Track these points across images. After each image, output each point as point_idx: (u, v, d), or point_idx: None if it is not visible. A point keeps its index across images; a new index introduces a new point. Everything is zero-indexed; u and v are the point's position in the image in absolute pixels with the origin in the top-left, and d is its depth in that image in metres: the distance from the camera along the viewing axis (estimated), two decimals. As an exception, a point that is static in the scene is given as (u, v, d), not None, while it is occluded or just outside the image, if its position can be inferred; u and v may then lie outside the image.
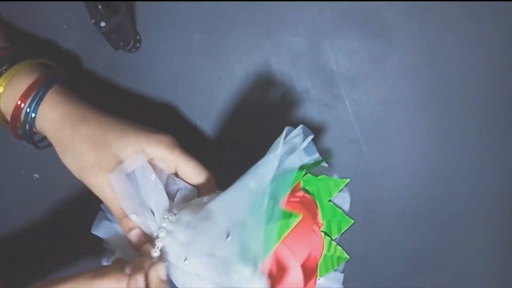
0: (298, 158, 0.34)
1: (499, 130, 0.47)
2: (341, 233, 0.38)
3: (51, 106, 0.37)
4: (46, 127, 0.37)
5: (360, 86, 0.46)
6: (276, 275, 0.32)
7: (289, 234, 0.32)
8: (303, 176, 0.35)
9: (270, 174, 0.32)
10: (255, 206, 0.31)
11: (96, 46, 0.45)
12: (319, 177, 0.36)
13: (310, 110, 0.46)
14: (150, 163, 0.37)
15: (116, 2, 0.39)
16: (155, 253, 0.35)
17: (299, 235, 0.33)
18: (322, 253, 0.36)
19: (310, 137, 0.35)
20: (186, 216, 0.35)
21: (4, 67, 0.36)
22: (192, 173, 0.38)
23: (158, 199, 0.36)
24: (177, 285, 0.35)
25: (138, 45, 0.45)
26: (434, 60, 0.45)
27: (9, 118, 0.37)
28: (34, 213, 0.50)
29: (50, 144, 0.38)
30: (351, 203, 0.38)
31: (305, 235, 0.34)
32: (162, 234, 0.35)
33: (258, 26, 0.45)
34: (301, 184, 0.36)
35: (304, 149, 0.35)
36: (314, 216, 0.36)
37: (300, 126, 0.35)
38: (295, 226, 0.32)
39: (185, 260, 0.34)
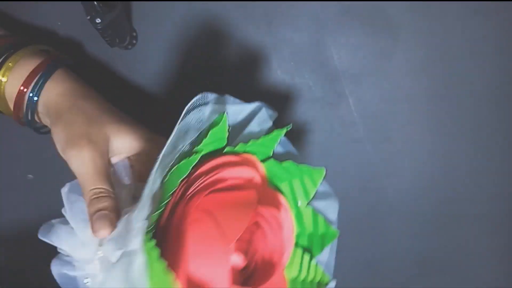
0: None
1: (507, 129, 0.47)
2: (323, 249, 0.30)
3: (58, 83, 0.37)
4: (49, 102, 0.37)
5: (364, 84, 0.45)
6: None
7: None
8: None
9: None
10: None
11: (91, 43, 0.45)
12: (283, 164, 0.29)
13: (312, 108, 0.46)
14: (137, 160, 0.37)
15: (112, -2, 0.38)
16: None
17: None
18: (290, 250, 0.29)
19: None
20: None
21: (6, 55, 0.37)
22: None
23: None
24: None
25: (134, 42, 0.45)
26: (440, 57, 0.45)
27: (12, 106, 0.37)
28: (28, 214, 0.49)
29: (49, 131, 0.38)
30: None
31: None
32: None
33: (259, 22, 0.44)
34: (266, 174, 0.29)
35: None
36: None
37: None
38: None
39: None
